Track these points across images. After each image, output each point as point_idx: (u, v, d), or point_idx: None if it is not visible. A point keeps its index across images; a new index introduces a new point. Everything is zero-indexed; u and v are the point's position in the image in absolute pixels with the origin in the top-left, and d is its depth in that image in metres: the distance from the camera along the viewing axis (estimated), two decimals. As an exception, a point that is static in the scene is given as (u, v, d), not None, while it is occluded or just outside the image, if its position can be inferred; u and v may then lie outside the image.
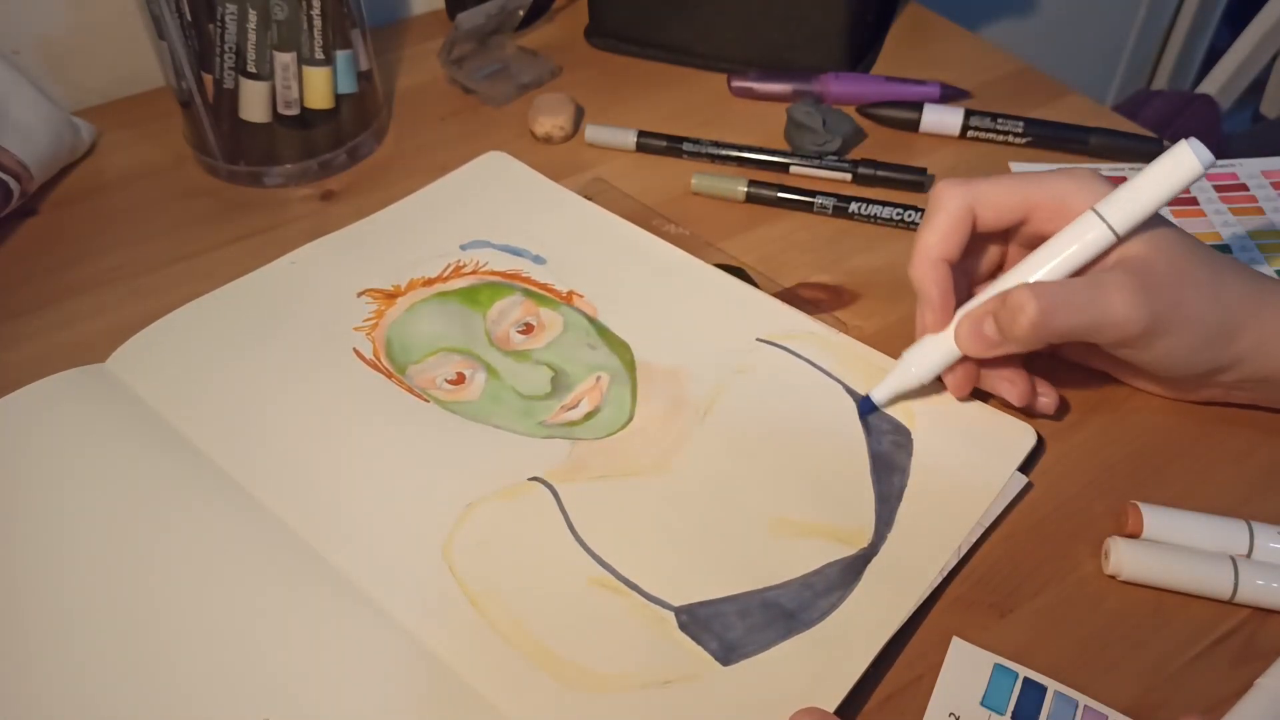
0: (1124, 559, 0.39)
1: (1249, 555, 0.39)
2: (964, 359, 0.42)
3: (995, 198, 0.41)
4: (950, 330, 0.42)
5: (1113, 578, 0.39)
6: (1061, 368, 0.46)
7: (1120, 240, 0.39)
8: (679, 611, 0.38)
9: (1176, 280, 0.39)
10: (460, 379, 0.45)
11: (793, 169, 0.57)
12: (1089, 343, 0.40)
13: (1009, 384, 0.43)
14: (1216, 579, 0.38)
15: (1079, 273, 0.40)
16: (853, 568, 0.39)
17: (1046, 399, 0.44)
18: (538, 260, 0.51)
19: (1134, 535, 0.40)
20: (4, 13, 0.58)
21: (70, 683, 0.35)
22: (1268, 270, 0.51)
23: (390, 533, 0.39)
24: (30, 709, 0.34)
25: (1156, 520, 0.40)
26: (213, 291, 0.49)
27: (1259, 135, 1.12)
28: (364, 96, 0.58)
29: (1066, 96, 0.64)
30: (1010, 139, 0.60)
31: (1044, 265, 0.40)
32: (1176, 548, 0.39)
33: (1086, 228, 0.39)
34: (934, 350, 0.42)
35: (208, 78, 0.53)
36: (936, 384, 0.45)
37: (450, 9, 0.68)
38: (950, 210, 0.41)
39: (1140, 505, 0.40)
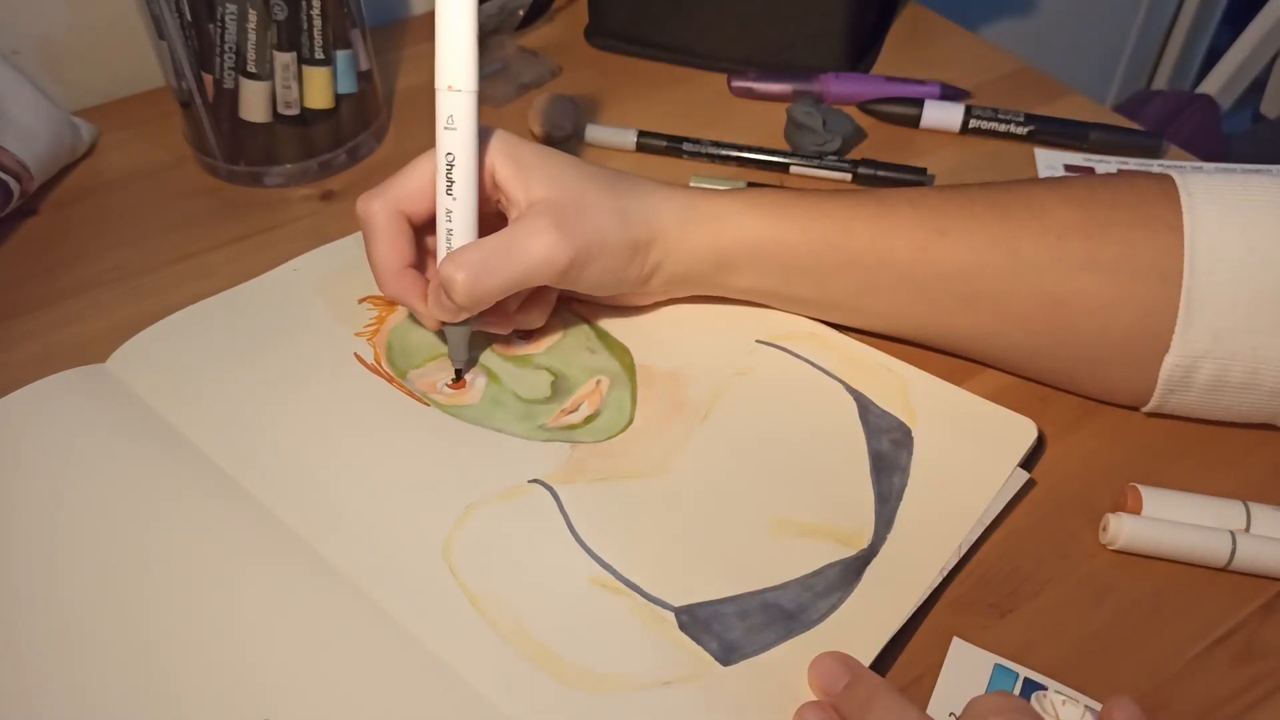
0: (1123, 528, 0.39)
1: (1247, 530, 0.40)
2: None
3: (411, 190, 0.43)
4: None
5: (1112, 556, 0.39)
6: (1061, 368, 0.46)
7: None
8: (679, 612, 0.38)
9: (585, 213, 0.41)
10: (460, 383, 0.45)
11: (793, 169, 0.57)
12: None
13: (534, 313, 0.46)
14: (1213, 546, 0.39)
15: (490, 217, 0.43)
16: (852, 569, 0.39)
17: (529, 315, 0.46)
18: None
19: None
20: (4, 13, 0.58)
21: (70, 682, 0.35)
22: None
23: (390, 533, 0.39)
24: (30, 708, 0.34)
25: (1155, 500, 0.40)
26: (215, 295, 0.49)
27: (1259, 135, 1.12)
28: (364, 96, 0.58)
29: (1066, 96, 0.64)
30: (1012, 129, 0.60)
31: (452, 228, 0.42)
32: (1175, 522, 0.40)
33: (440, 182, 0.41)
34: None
35: (208, 78, 0.53)
36: (936, 381, 0.45)
37: (450, 9, 0.68)
38: (380, 225, 0.43)
39: (1139, 486, 0.41)
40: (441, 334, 0.45)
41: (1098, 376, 0.44)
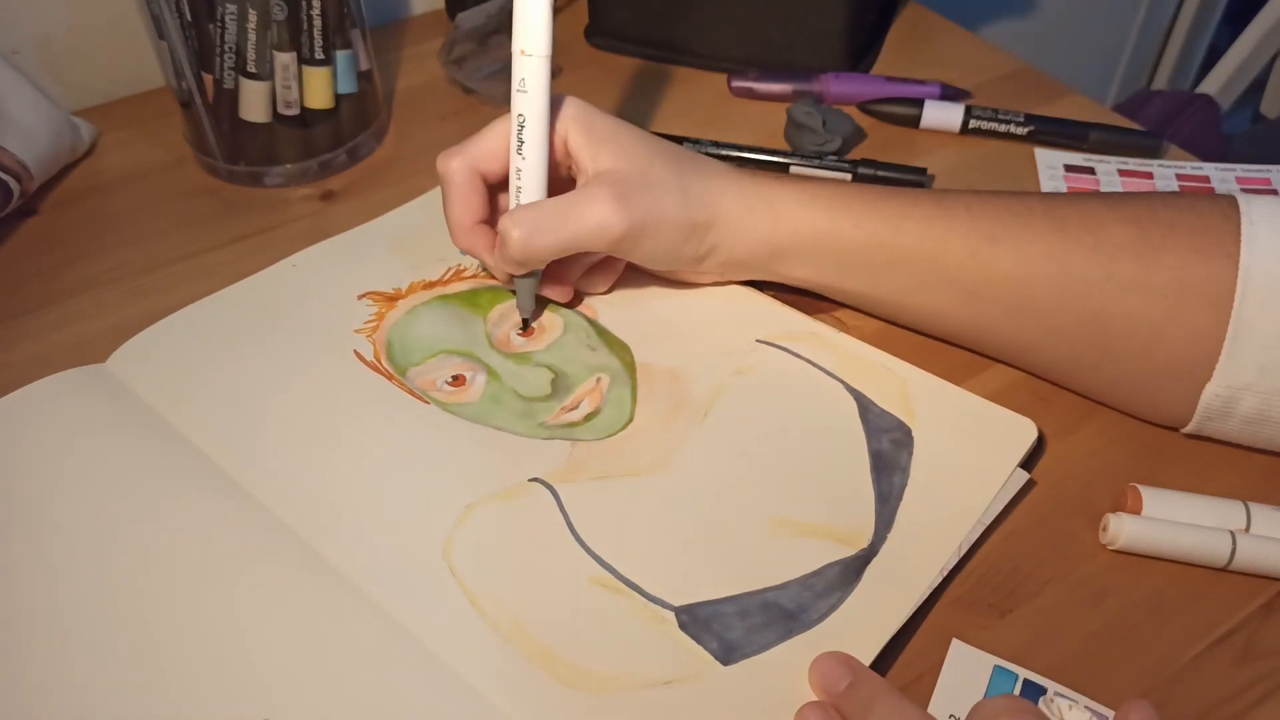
0: (1124, 527, 0.39)
1: (1246, 530, 0.40)
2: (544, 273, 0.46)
3: (488, 150, 0.44)
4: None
5: (1113, 551, 0.39)
6: (1061, 368, 0.46)
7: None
8: (679, 611, 0.38)
9: (647, 188, 0.43)
10: (460, 381, 0.45)
11: (793, 169, 0.57)
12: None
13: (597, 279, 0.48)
14: (1213, 546, 0.39)
15: (560, 181, 0.45)
16: (852, 568, 0.39)
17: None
18: (538, 260, 0.51)
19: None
20: (4, 13, 0.58)
21: (70, 682, 0.35)
22: None
23: (390, 533, 0.39)
24: (30, 708, 0.34)
25: (1155, 500, 0.40)
26: (214, 293, 0.49)
27: (1259, 135, 1.12)
28: (364, 96, 0.58)
29: (1066, 96, 0.64)
30: (1012, 129, 0.60)
31: (520, 185, 0.44)
32: (1175, 522, 0.40)
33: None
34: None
35: (208, 78, 0.53)
36: (937, 381, 0.45)
37: (450, 9, 0.68)
38: (457, 182, 0.45)
39: (1139, 486, 0.41)
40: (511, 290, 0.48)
41: (1139, 397, 0.44)
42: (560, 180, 0.46)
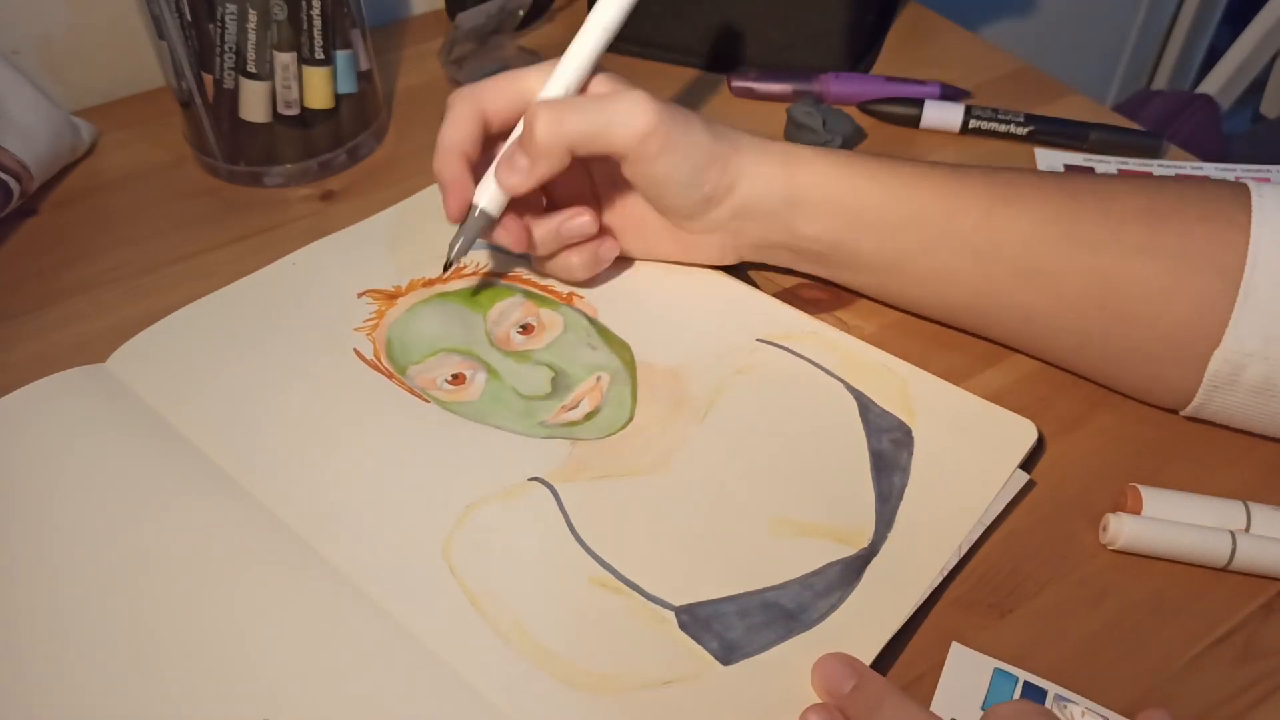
0: (1123, 528, 0.39)
1: (1246, 530, 0.40)
2: (514, 211, 0.46)
3: (499, 93, 0.45)
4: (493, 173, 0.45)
5: (1113, 551, 0.39)
6: (1059, 372, 0.46)
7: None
8: (679, 611, 0.38)
9: (676, 111, 0.44)
10: (460, 379, 0.45)
11: (793, 169, 0.57)
12: (613, 174, 0.45)
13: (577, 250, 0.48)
14: (1213, 546, 0.39)
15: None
16: (853, 568, 0.39)
17: (606, 247, 0.48)
18: (538, 260, 0.51)
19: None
20: (4, 13, 0.58)
21: (70, 682, 0.35)
22: None
23: (390, 532, 0.39)
24: (30, 708, 0.34)
25: (1155, 500, 0.40)
26: (213, 292, 0.49)
27: (1259, 135, 1.12)
28: (364, 96, 0.58)
29: (1066, 96, 0.64)
30: (1012, 129, 0.60)
31: (554, 79, 0.44)
32: (1175, 522, 0.40)
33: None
34: (486, 191, 0.45)
35: (208, 78, 0.53)
36: (937, 381, 0.45)
37: (450, 9, 0.68)
38: (458, 110, 0.45)
39: (1139, 486, 0.41)
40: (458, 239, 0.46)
41: (1144, 370, 0.44)
42: (578, 171, 0.46)
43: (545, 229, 0.46)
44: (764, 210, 0.45)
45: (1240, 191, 0.41)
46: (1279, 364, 0.40)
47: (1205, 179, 0.44)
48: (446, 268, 0.46)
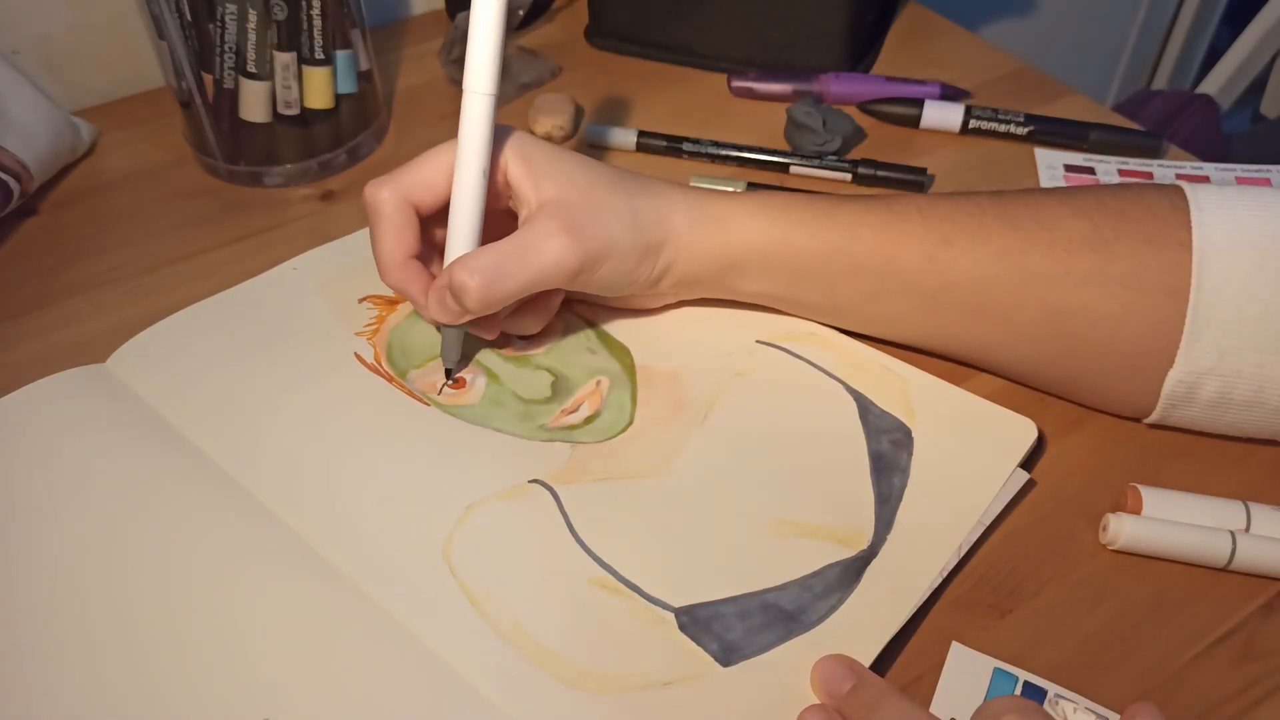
0: (1123, 528, 0.39)
1: (1246, 530, 0.40)
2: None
3: (422, 181, 0.42)
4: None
5: (1113, 553, 0.39)
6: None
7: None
8: (679, 613, 0.38)
9: (595, 215, 0.41)
10: (461, 383, 0.45)
11: (793, 169, 0.57)
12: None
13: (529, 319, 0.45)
14: (1213, 546, 0.39)
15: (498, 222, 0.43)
16: (852, 569, 0.39)
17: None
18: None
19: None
20: (4, 13, 0.57)
21: (70, 682, 0.35)
22: None
23: (390, 533, 0.39)
24: (30, 708, 0.34)
25: (1155, 500, 0.41)
26: (215, 295, 0.49)
27: (1259, 135, 1.12)
28: (364, 96, 0.58)
29: (1066, 96, 0.64)
30: (1012, 129, 0.60)
31: (460, 233, 0.42)
32: (1175, 522, 0.40)
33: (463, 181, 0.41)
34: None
35: (208, 78, 0.53)
36: (937, 381, 0.45)
37: (450, 9, 0.68)
38: (388, 213, 0.42)
39: (1139, 486, 0.41)
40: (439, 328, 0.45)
41: (1101, 389, 0.44)
42: (497, 214, 0.44)
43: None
44: (706, 278, 0.45)
45: (1178, 202, 0.41)
46: (1233, 379, 0.40)
47: (1144, 186, 0.43)
48: (449, 374, 0.45)
